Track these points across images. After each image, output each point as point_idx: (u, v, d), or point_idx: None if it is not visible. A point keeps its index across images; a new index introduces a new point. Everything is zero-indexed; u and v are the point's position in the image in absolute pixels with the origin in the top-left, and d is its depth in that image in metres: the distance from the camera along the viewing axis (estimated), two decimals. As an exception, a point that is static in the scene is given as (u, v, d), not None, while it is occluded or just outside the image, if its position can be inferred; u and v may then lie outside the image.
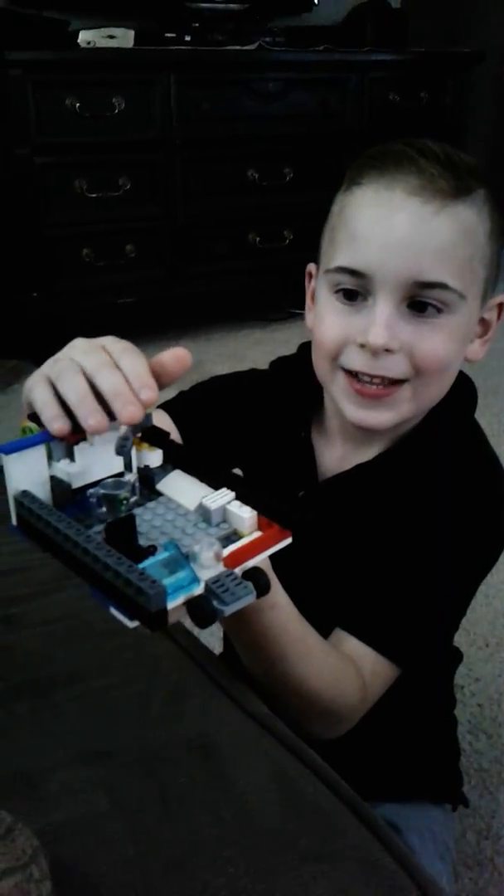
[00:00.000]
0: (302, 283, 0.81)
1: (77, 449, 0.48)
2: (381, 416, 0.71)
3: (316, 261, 0.78)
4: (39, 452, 0.47)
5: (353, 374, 0.71)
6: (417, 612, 0.71)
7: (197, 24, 2.98)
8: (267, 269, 3.13)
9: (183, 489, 0.49)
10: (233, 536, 0.45)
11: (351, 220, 0.69)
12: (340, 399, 0.73)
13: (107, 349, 0.49)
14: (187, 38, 2.94)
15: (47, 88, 2.58)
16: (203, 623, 0.41)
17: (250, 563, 0.44)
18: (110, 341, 0.50)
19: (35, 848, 0.43)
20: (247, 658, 0.66)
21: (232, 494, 0.46)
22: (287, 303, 3.18)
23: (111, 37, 2.70)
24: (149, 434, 0.50)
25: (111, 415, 0.46)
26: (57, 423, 0.46)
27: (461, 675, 1.40)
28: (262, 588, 0.43)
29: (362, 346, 0.68)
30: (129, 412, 0.45)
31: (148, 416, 0.49)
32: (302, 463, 0.80)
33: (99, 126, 2.69)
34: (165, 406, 0.80)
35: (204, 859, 0.50)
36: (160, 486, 0.50)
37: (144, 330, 3.26)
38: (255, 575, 0.43)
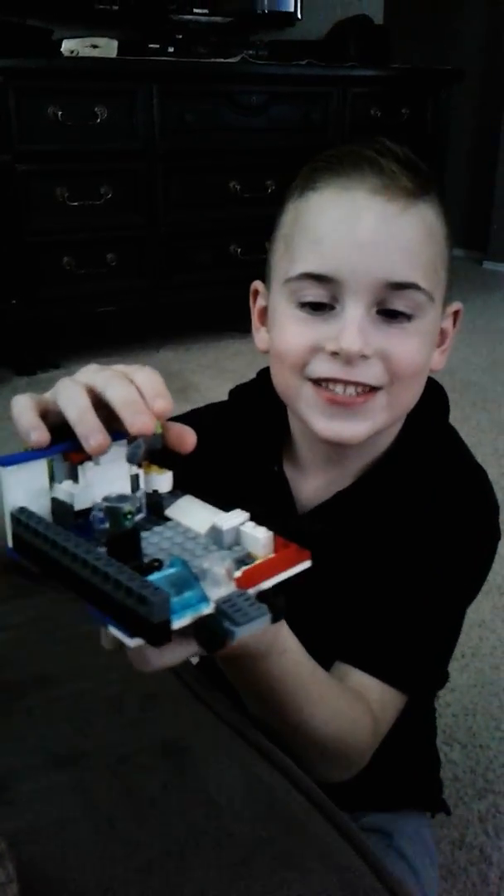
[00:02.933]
0: None
1: (81, 469, 0.44)
2: (355, 428, 0.66)
3: (262, 278, 0.74)
4: (40, 468, 0.43)
5: (321, 385, 0.66)
6: (418, 638, 0.69)
7: (180, 37, 3.00)
8: (248, 281, 3.12)
9: (194, 513, 0.45)
10: (247, 559, 0.41)
11: (311, 225, 0.65)
12: (309, 414, 0.68)
13: (120, 369, 0.45)
14: (171, 50, 2.96)
15: (30, 96, 2.59)
16: (212, 646, 0.38)
17: (266, 585, 0.40)
18: (123, 366, 0.46)
19: (1, 851, 0.43)
20: (257, 707, 0.61)
21: (246, 515, 0.43)
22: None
23: (94, 46, 2.70)
24: (159, 457, 0.46)
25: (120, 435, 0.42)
26: (35, 434, 0.42)
27: (436, 685, 1.40)
28: (278, 610, 0.39)
29: (334, 353, 0.64)
30: (141, 421, 0.41)
31: (158, 438, 0.44)
32: (278, 498, 0.75)
33: (81, 135, 2.70)
34: None
35: (175, 864, 0.50)
36: (169, 512, 0.46)
37: (125, 339, 3.25)
38: (270, 597, 0.39)
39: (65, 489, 0.43)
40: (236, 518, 0.42)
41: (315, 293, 0.65)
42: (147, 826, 0.52)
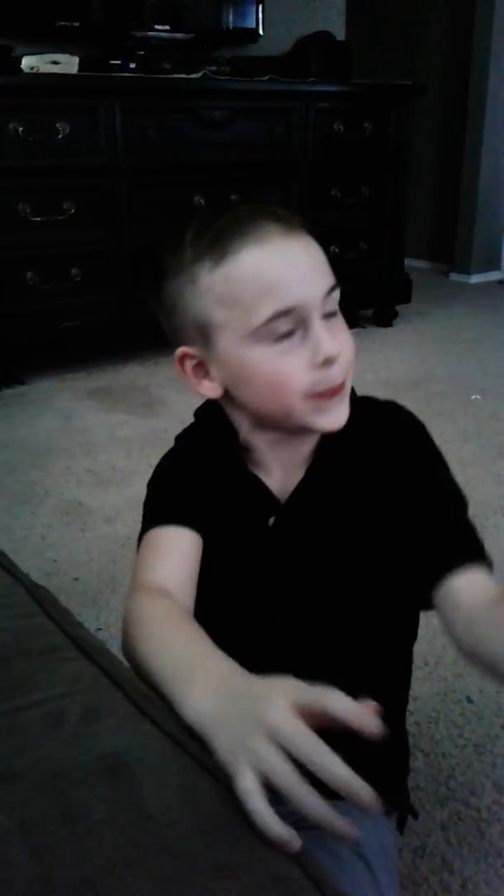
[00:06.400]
0: None
1: None
2: (342, 411, 0.79)
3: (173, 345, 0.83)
4: None
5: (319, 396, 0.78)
6: (465, 516, 0.83)
7: (142, 53, 3.01)
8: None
9: None
10: None
11: (253, 277, 0.74)
12: (310, 419, 0.78)
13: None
14: (132, 66, 2.97)
15: (-9, 113, 2.58)
16: None
17: None
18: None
19: None
20: None
21: None
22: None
23: (55, 63, 2.71)
24: None
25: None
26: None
27: (399, 694, 1.40)
28: None
29: (324, 363, 0.75)
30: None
31: None
32: (258, 494, 0.86)
33: (43, 150, 2.70)
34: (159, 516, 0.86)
35: (111, 879, 0.49)
36: None
37: (91, 354, 3.24)
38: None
39: None
40: None
41: (286, 325, 0.75)
42: (82, 842, 0.51)
